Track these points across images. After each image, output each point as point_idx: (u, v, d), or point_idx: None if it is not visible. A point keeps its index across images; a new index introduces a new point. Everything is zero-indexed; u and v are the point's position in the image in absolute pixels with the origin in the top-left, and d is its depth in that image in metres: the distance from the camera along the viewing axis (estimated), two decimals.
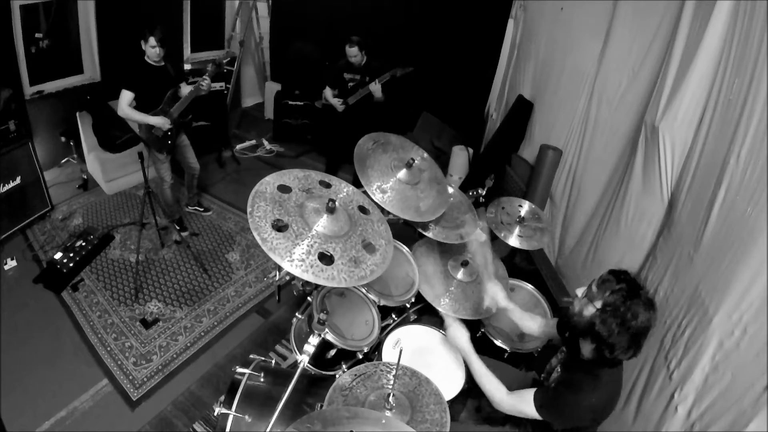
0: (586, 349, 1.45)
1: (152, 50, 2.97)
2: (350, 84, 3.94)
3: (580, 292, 1.48)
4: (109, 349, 2.72)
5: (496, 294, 1.96)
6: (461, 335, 1.78)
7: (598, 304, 1.37)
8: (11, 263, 3.24)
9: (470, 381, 1.91)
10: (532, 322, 1.90)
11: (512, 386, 1.86)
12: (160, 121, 3.09)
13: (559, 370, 1.59)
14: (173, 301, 3.09)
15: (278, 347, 2.84)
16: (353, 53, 3.75)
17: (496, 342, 2.22)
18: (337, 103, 3.97)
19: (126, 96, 2.99)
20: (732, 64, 1.76)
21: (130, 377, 2.57)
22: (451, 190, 2.55)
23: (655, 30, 2.37)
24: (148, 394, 2.50)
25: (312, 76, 5.00)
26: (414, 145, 2.42)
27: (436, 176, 2.33)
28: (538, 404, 1.47)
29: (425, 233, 2.30)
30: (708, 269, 1.70)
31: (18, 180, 3.42)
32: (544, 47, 3.48)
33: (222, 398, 1.80)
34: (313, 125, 5.26)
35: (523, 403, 1.51)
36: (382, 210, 1.95)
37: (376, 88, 3.75)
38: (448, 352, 2.07)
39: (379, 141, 2.32)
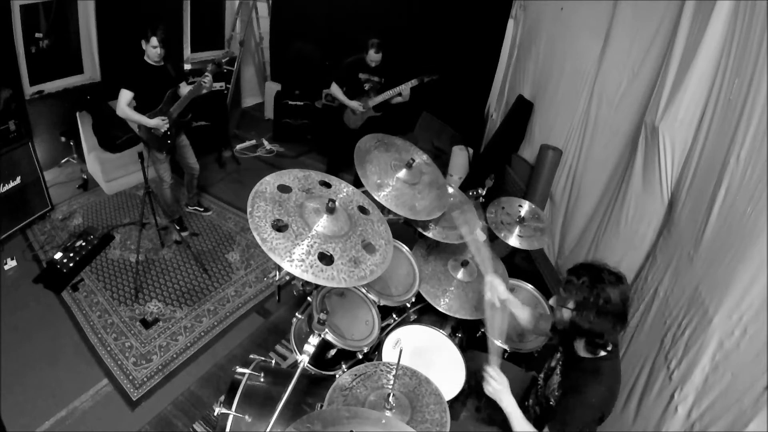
0: (581, 346, 1.49)
1: (153, 50, 2.96)
2: (366, 85, 3.81)
3: (553, 302, 1.52)
4: (109, 349, 2.72)
5: (496, 285, 1.90)
6: (502, 391, 1.59)
7: (571, 305, 1.43)
8: (11, 263, 3.23)
9: (470, 381, 1.91)
10: (524, 313, 1.91)
11: (514, 385, 1.86)
12: (157, 123, 3.09)
13: (559, 373, 1.59)
14: (173, 301, 3.09)
15: (278, 347, 2.84)
16: (378, 58, 3.68)
17: (496, 342, 2.21)
18: (357, 106, 3.79)
19: (125, 95, 2.99)
20: (732, 64, 1.76)
21: (130, 377, 2.57)
22: (451, 190, 2.55)
23: (655, 30, 2.37)
24: (148, 394, 2.50)
25: (312, 76, 5.01)
26: (418, 150, 2.42)
27: (437, 181, 2.33)
28: (554, 427, 1.45)
29: (425, 233, 2.30)
30: (708, 269, 1.70)
31: (18, 180, 3.42)
32: (544, 47, 3.48)
33: (222, 398, 1.80)
34: (313, 125, 5.26)
35: None
36: (382, 210, 1.95)
37: (407, 92, 3.71)
38: (448, 352, 2.07)
39: (383, 141, 2.33)
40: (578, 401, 1.43)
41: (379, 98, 3.80)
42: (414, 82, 3.70)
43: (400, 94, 3.74)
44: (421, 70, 3.72)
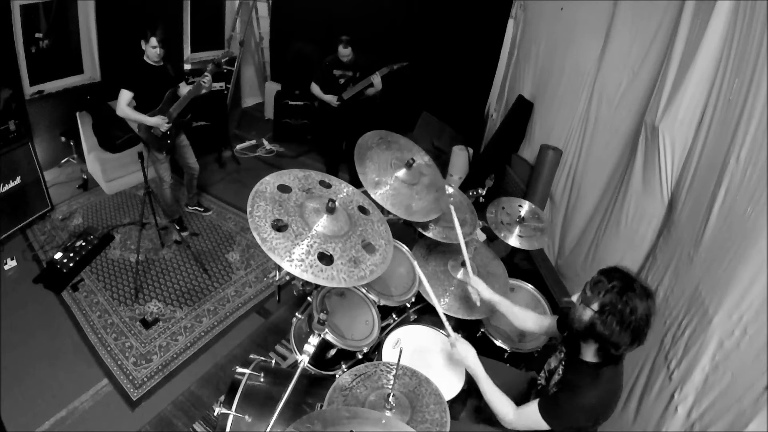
0: (590, 351, 1.44)
1: (152, 50, 2.96)
2: (341, 80, 3.96)
3: (575, 298, 1.48)
4: (109, 349, 2.72)
5: (477, 285, 1.94)
6: (468, 353, 1.71)
7: (595, 307, 1.37)
8: (11, 263, 3.23)
9: (470, 381, 1.91)
10: (526, 315, 1.88)
11: (512, 386, 1.85)
12: (157, 122, 3.09)
13: (560, 372, 1.58)
14: (173, 301, 3.09)
15: (278, 347, 2.84)
16: (348, 53, 3.80)
17: (496, 342, 2.22)
18: (332, 99, 3.97)
19: (125, 95, 2.99)
20: (732, 64, 1.76)
21: (130, 377, 2.57)
22: (450, 190, 2.55)
23: (655, 30, 2.37)
24: (148, 394, 2.50)
25: (312, 76, 5.01)
26: (420, 149, 2.41)
27: (437, 183, 2.32)
28: (543, 411, 1.45)
29: (425, 233, 2.30)
30: (708, 269, 1.70)
31: (18, 180, 3.42)
32: (544, 47, 3.49)
33: (222, 398, 1.80)
34: (313, 125, 5.26)
35: (530, 417, 1.48)
36: (382, 210, 1.95)
37: (378, 80, 3.81)
38: (449, 352, 2.07)
39: (385, 138, 2.32)
40: (572, 401, 1.42)
41: (348, 93, 3.94)
42: (384, 71, 3.78)
43: (371, 85, 3.85)
44: (390, 58, 3.81)
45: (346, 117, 4.06)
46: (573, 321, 1.44)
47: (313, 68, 4.21)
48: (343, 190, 1.82)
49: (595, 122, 2.87)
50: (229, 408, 1.66)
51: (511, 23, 4.19)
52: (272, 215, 1.51)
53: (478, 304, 2.01)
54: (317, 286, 2.15)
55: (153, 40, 2.93)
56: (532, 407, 1.48)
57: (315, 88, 4.04)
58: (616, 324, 1.32)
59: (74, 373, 2.56)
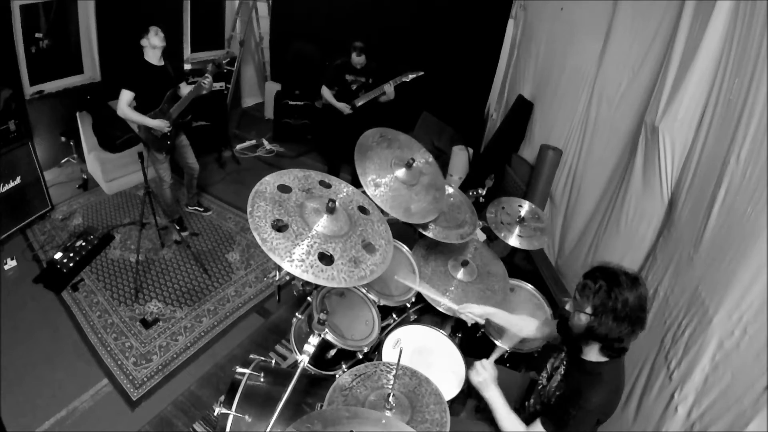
0: (593, 351, 1.45)
1: (156, 38, 2.96)
2: (353, 86, 3.89)
3: (568, 306, 1.49)
4: (109, 349, 2.72)
5: (465, 308, 1.94)
6: (488, 382, 1.63)
7: (588, 310, 1.38)
8: (11, 263, 3.23)
9: (470, 381, 1.91)
10: (523, 323, 1.88)
11: (512, 388, 1.86)
12: (158, 124, 3.09)
13: (562, 372, 1.58)
14: (173, 301, 3.09)
15: (278, 347, 2.84)
16: (361, 60, 3.75)
17: (496, 342, 2.21)
18: (345, 107, 3.88)
19: (126, 96, 2.99)
20: (732, 64, 1.76)
21: (130, 377, 2.57)
22: (450, 190, 2.55)
23: (655, 30, 2.37)
24: (148, 394, 2.50)
25: (312, 76, 5.01)
26: (421, 147, 2.41)
27: (436, 183, 2.32)
28: (550, 428, 1.45)
29: (425, 233, 2.30)
30: (708, 269, 1.70)
31: (18, 180, 3.42)
32: (544, 47, 3.48)
33: (222, 398, 1.80)
34: (313, 125, 5.26)
35: None
36: (382, 210, 1.95)
37: (390, 90, 3.74)
38: (448, 352, 2.07)
39: (386, 136, 2.31)
40: (577, 406, 1.41)
41: (362, 100, 3.87)
42: (398, 80, 3.73)
43: (384, 93, 3.78)
44: (406, 67, 3.75)
45: (348, 117, 4.03)
46: (572, 327, 1.47)
47: (314, 69, 4.19)
48: (343, 190, 1.82)
49: (595, 122, 2.87)
50: (229, 408, 1.66)
51: (511, 23, 4.19)
52: (272, 215, 1.51)
53: (481, 321, 1.96)
54: (317, 286, 2.15)
55: (158, 35, 2.94)
56: (537, 428, 1.47)
57: (326, 93, 3.93)
58: (612, 321, 1.34)
59: (74, 373, 2.56)
